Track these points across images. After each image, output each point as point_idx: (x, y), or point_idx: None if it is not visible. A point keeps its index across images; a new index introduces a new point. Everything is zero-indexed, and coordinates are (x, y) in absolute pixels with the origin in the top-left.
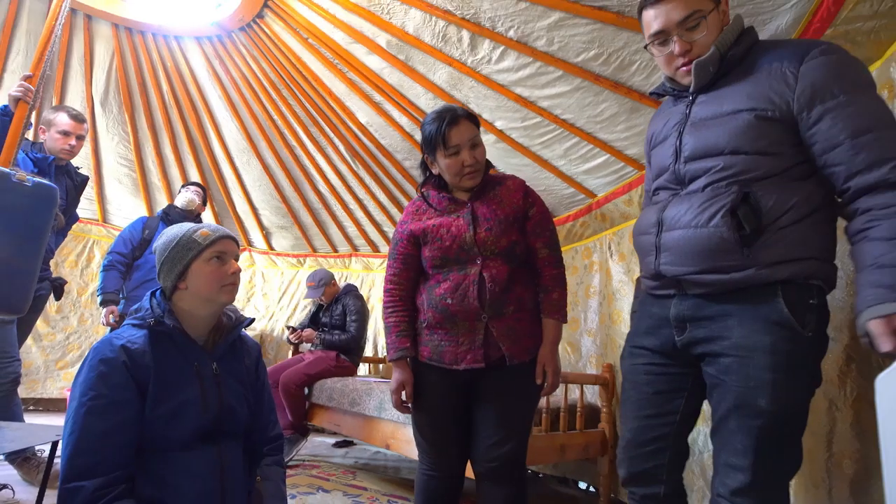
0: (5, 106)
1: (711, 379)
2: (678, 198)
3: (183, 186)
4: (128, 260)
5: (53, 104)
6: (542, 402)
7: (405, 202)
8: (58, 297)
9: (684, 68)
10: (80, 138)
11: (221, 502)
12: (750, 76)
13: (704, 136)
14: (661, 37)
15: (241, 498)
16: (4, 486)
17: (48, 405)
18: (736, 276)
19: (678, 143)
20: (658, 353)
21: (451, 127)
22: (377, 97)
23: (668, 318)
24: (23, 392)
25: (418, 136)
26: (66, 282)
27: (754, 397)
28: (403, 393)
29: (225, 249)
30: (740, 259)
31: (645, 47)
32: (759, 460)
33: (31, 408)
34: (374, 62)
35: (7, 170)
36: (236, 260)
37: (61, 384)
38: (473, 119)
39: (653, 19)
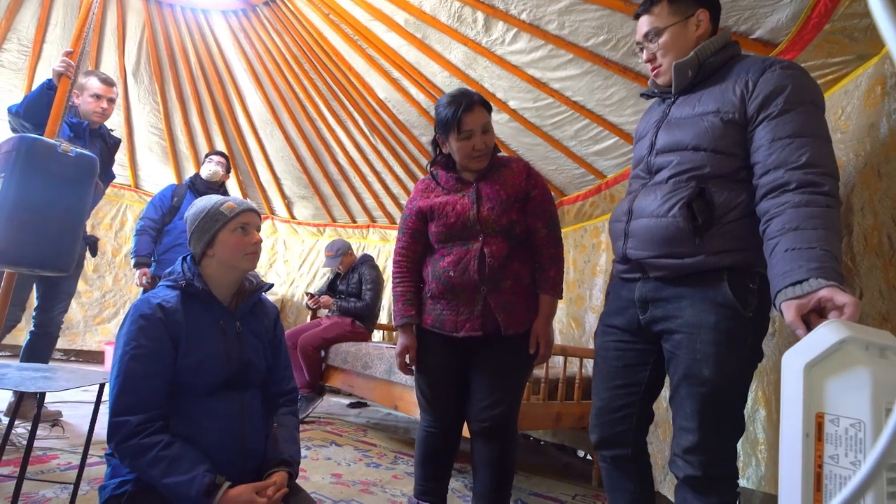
0: (49, 80)
1: (668, 353)
2: (646, 189)
3: (207, 156)
4: (158, 225)
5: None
6: (542, 372)
7: (421, 176)
8: (93, 254)
9: (653, 72)
10: (111, 101)
11: (242, 441)
12: (722, 83)
13: (674, 133)
14: (640, 47)
15: (259, 439)
16: (56, 424)
17: (87, 357)
18: (688, 261)
19: (654, 137)
20: (626, 331)
21: (466, 112)
22: (395, 74)
23: (633, 300)
24: (65, 344)
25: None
26: (98, 239)
27: (700, 368)
28: (407, 357)
29: (248, 221)
30: (692, 247)
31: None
32: (705, 423)
33: (73, 359)
34: (392, 40)
35: (53, 141)
36: (258, 231)
37: (99, 338)
38: (487, 106)
39: (637, 33)
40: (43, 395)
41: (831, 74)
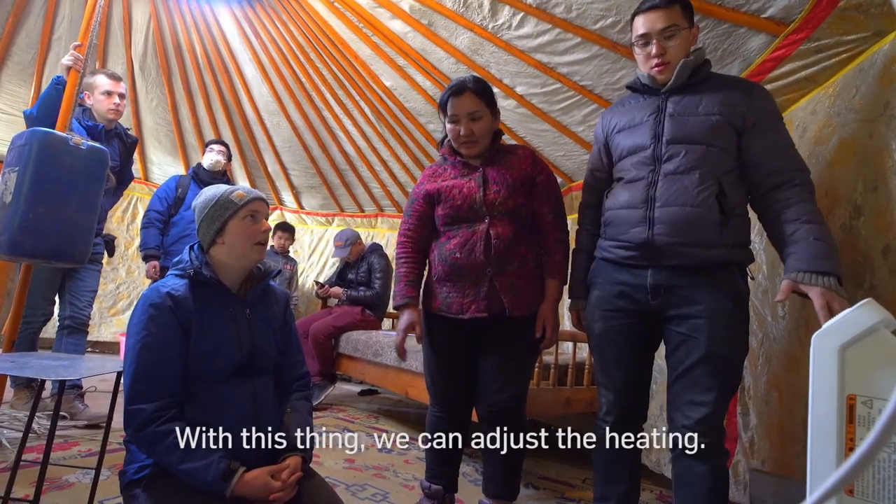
0: (59, 76)
1: (680, 336)
2: (666, 178)
3: (207, 145)
4: (164, 217)
5: (97, 67)
6: (551, 358)
7: (428, 163)
8: (111, 254)
9: (657, 68)
10: (122, 96)
11: (256, 425)
12: (718, 92)
13: (684, 125)
14: (644, 39)
15: (273, 424)
16: (84, 403)
17: (103, 348)
18: (713, 252)
19: (658, 128)
20: (632, 313)
21: (454, 97)
22: (401, 61)
23: (642, 286)
24: None
25: None
26: (114, 238)
27: (720, 348)
28: (411, 335)
29: (257, 209)
30: (717, 235)
31: (630, 45)
32: (720, 395)
33: (89, 350)
34: (397, 26)
35: (65, 134)
36: (266, 219)
37: (114, 329)
38: (481, 93)
39: (641, 24)
40: (63, 383)
41: (846, 53)
